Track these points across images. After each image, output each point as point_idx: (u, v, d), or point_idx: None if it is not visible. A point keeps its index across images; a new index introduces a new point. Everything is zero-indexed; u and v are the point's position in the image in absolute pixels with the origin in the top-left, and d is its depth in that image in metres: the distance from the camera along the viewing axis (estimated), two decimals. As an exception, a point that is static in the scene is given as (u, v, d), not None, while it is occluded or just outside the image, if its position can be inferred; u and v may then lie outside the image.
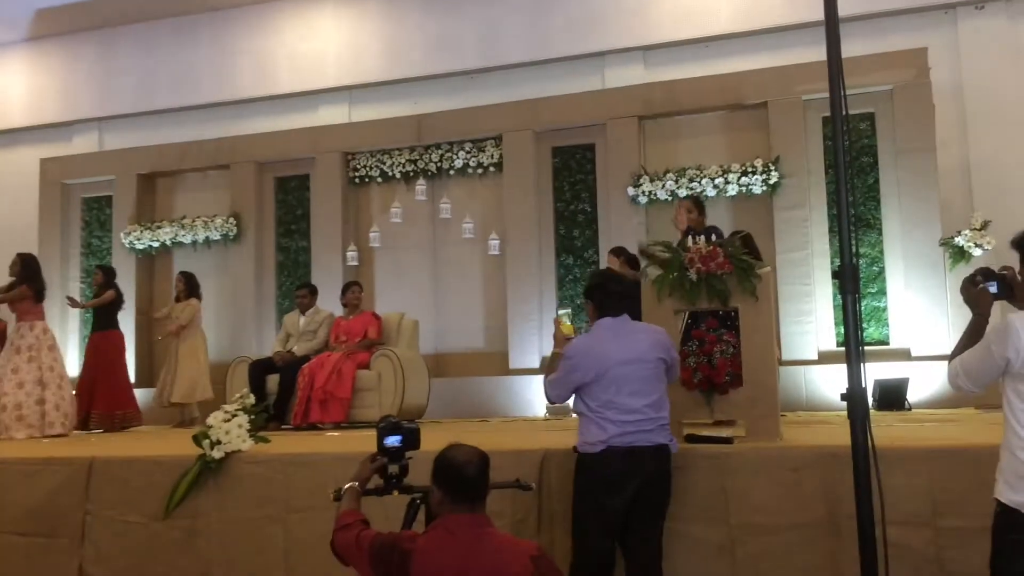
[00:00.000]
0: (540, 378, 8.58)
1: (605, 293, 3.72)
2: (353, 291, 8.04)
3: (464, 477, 2.56)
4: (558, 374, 3.65)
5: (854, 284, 2.01)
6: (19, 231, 11.05)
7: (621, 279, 3.95)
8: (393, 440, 2.88)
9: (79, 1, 11.45)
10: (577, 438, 3.68)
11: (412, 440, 2.91)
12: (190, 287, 8.78)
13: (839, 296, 7.92)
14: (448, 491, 2.56)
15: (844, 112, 2.15)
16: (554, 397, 3.71)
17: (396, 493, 2.93)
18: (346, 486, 2.86)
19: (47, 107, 12.23)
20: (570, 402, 3.83)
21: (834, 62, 2.24)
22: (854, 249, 2.03)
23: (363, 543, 2.60)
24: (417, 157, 9.70)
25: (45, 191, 10.94)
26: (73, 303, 8.76)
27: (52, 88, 12.25)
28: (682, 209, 6.46)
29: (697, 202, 6.62)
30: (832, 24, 2.24)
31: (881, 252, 8.12)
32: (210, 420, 4.61)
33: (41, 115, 12.23)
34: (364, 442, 5.39)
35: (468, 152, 9.55)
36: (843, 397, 2.19)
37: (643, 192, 8.73)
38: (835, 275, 2.12)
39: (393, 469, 2.92)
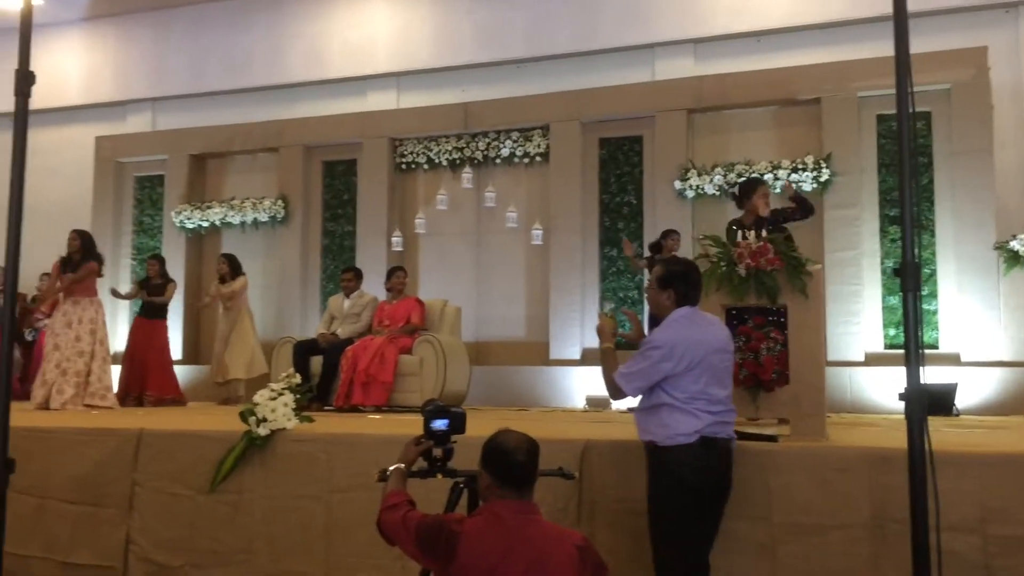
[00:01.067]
0: (579, 369, 8.70)
1: (688, 283, 3.56)
2: (398, 276, 8.09)
3: (513, 463, 2.57)
4: (641, 365, 3.46)
5: (916, 282, 1.98)
6: (73, 207, 11.28)
7: (698, 267, 3.81)
8: (440, 424, 2.89)
9: (137, -18, 11.64)
10: (648, 432, 3.49)
11: (458, 424, 2.93)
12: (233, 267, 8.88)
13: (888, 297, 7.97)
14: (497, 476, 2.57)
15: (911, 109, 2.11)
16: (633, 390, 3.51)
17: (440, 476, 2.95)
18: (392, 467, 2.89)
19: (102, 86, 12.46)
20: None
21: (902, 57, 2.19)
22: (917, 247, 1.99)
23: (410, 523, 2.62)
24: (464, 145, 9.72)
25: (99, 169, 11.16)
26: (116, 294, 8.87)
27: (107, 68, 12.47)
28: (766, 193, 6.01)
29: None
30: (900, 19, 2.20)
31: (933, 254, 7.98)
32: (256, 398, 4.67)
33: (96, 94, 12.46)
34: (405, 425, 5.44)
35: (515, 141, 9.55)
36: (901, 397, 2.15)
37: (690, 186, 8.67)
38: (896, 272, 2.07)
39: (438, 452, 2.94)
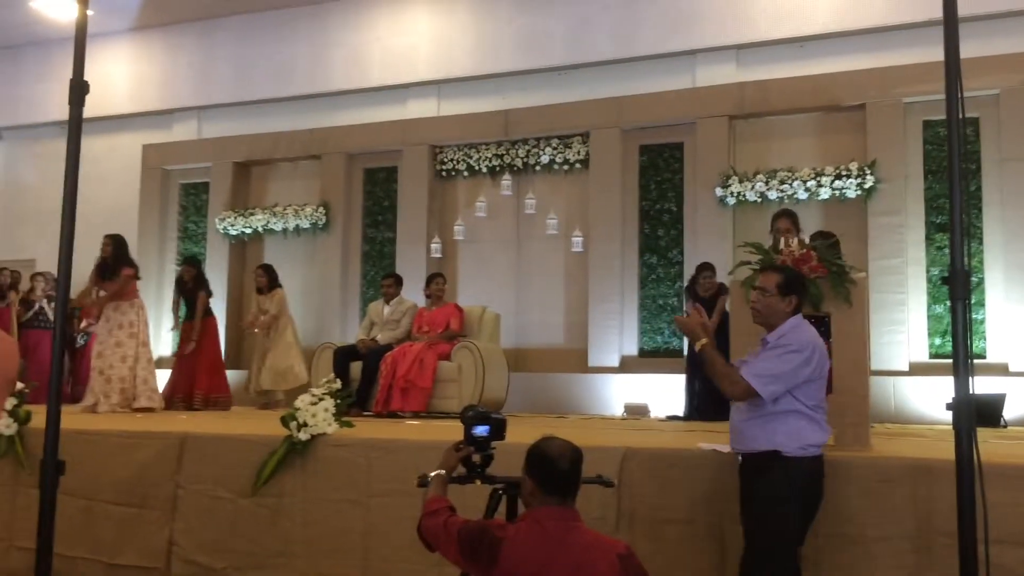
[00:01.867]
0: (618, 377, 8.66)
1: (806, 291, 3.60)
2: (437, 282, 8.13)
3: (557, 470, 2.56)
4: (781, 367, 3.28)
5: (965, 290, 1.94)
6: (121, 214, 11.48)
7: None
8: (481, 430, 2.90)
9: (183, -8, 11.85)
10: (771, 440, 3.32)
11: (499, 431, 2.93)
12: (271, 278, 8.93)
13: (934, 306, 7.84)
14: (540, 483, 2.57)
15: (961, 115, 2.07)
16: (769, 393, 3.28)
17: (479, 483, 2.95)
18: (433, 473, 2.90)
19: (149, 95, 12.68)
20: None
21: (952, 62, 2.16)
22: (965, 255, 1.96)
23: (451, 529, 2.63)
24: (504, 152, 9.75)
25: (146, 176, 11.38)
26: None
27: (154, 76, 12.70)
28: (790, 223, 5.86)
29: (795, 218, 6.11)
30: (951, 23, 2.16)
31: (981, 262, 7.83)
32: (297, 403, 4.72)
33: (143, 103, 12.68)
34: (444, 431, 5.46)
35: (555, 148, 9.55)
36: (949, 407, 2.11)
37: (731, 193, 8.60)
38: (945, 280, 2.04)
39: (477, 458, 2.94)
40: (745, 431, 3.41)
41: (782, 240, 4.74)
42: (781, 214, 5.99)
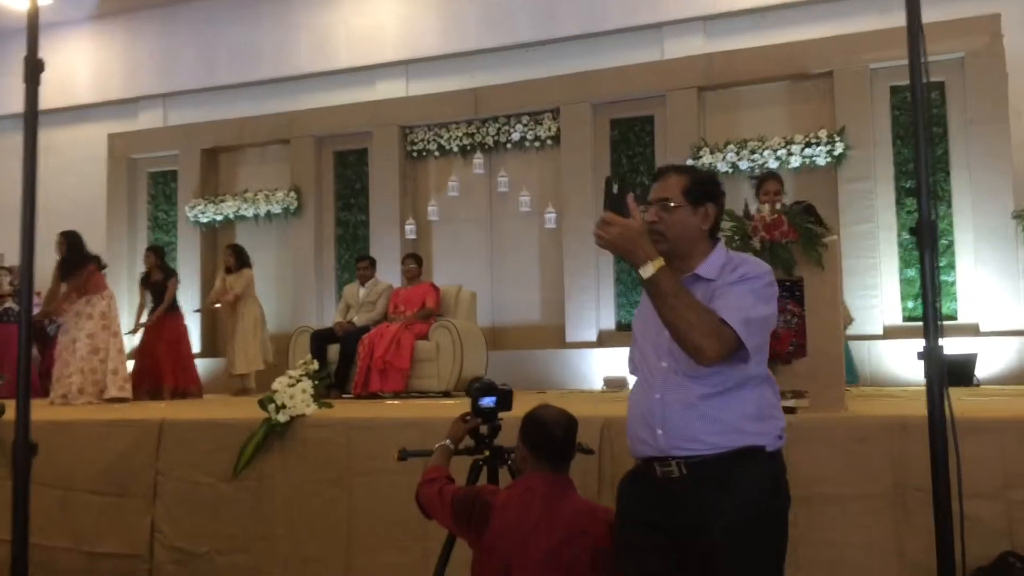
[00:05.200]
0: (596, 351, 8.70)
1: (723, 195, 2.46)
2: (407, 263, 8.12)
3: (551, 437, 2.57)
4: (765, 309, 2.19)
5: (932, 240, 1.96)
6: (88, 206, 11.35)
7: None
8: (488, 401, 2.90)
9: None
10: (742, 431, 2.21)
11: (505, 402, 2.93)
12: (240, 259, 8.86)
13: (906, 270, 7.91)
14: (533, 449, 2.58)
15: (925, 80, 2.07)
16: (755, 347, 2.15)
17: (487, 453, 2.96)
18: (438, 444, 2.90)
19: (112, 84, 12.51)
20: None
21: (914, 27, 2.16)
22: (933, 213, 1.97)
23: (446, 496, 2.64)
24: (474, 131, 9.71)
25: (112, 166, 11.23)
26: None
27: (117, 65, 12.53)
28: (779, 185, 5.82)
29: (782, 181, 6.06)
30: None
31: (950, 225, 7.91)
32: (275, 385, 4.69)
33: (107, 92, 12.52)
34: (424, 410, 5.47)
35: (525, 125, 9.53)
36: (919, 356, 2.13)
37: (703, 164, 8.62)
38: (912, 231, 2.05)
39: (484, 430, 2.94)
40: (698, 418, 2.18)
41: (774, 204, 4.73)
42: (768, 176, 5.95)
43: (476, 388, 2.93)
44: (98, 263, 7.60)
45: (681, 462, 2.18)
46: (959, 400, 4.99)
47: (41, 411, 3.79)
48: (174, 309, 8.54)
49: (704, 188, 2.36)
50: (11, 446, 2.14)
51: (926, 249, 1.98)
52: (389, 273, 8.68)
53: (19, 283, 9.83)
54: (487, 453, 2.92)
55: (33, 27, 2.31)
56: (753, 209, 4.46)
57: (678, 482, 2.19)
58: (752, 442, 2.19)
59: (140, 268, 10.57)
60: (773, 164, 8.33)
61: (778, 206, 4.30)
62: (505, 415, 2.95)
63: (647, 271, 2.06)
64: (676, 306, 2.05)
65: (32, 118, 2.26)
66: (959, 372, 6.90)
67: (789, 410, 4.00)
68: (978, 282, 7.76)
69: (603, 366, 8.57)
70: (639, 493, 2.30)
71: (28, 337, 2.63)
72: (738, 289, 2.17)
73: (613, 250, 2.14)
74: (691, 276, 2.25)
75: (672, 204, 2.31)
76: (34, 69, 2.16)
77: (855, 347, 7.55)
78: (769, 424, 2.25)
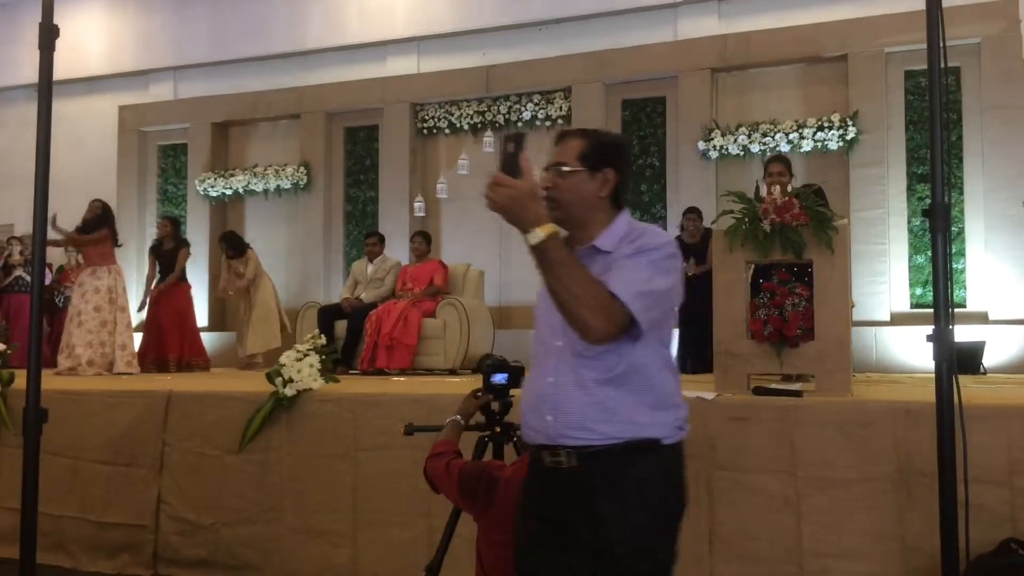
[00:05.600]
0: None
1: (629, 169, 2.27)
2: (415, 240, 8.12)
3: None
4: (663, 283, 2.00)
5: (946, 223, 1.95)
6: (97, 178, 11.36)
7: None
8: (500, 378, 2.89)
9: (156, -50, 11.61)
10: (633, 421, 2.01)
11: (517, 378, 2.93)
12: (237, 247, 8.87)
13: (915, 256, 7.87)
14: None
15: (943, 62, 2.05)
16: (648, 323, 1.96)
17: (498, 429, 2.96)
18: (448, 419, 2.91)
19: (124, 56, 12.47)
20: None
21: (933, 10, 2.14)
22: (947, 188, 1.96)
23: (453, 470, 2.64)
24: (485, 109, 9.68)
25: (123, 138, 11.23)
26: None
27: (129, 37, 12.48)
28: (787, 169, 5.70)
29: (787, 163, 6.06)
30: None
31: (961, 212, 7.87)
32: (282, 359, 4.71)
33: (119, 64, 12.47)
34: (430, 386, 5.49)
35: (536, 104, 9.49)
36: (929, 338, 2.13)
37: (714, 147, 8.59)
38: (925, 213, 2.04)
39: (496, 406, 2.95)
40: (590, 404, 2.01)
41: (777, 186, 4.71)
42: (774, 158, 5.94)
43: (488, 365, 2.93)
44: (115, 235, 7.67)
45: (572, 452, 2.01)
46: (966, 387, 4.99)
47: (50, 381, 3.80)
48: (183, 279, 8.56)
49: (604, 152, 2.16)
50: (22, 413, 2.15)
51: (938, 232, 1.97)
52: (398, 250, 8.68)
53: (29, 253, 9.93)
54: (498, 429, 2.92)
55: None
56: (764, 192, 4.45)
57: (566, 473, 2.02)
58: (648, 434, 2.00)
59: (148, 242, 10.64)
60: (785, 148, 8.29)
61: (789, 188, 4.28)
62: (516, 392, 2.95)
63: (533, 237, 1.89)
64: (562, 276, 1.88)
65: (47, 84, 2.26)
66: (967, 360, 6.90)
67: (795, 393, 4.02)
68: (988, 270, 7.72)
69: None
70: (532, 484, 2.16)
71: (39, 307, 2.64)
72: (634, 261, 1.99)
73: (502, 214, 1.94)
74: (588, 248, 2.08)
75: (566, 168, 2.13)
76: (49, 35, 2.16)
77: (861, 333, 7.55)
78: (668, 414, 2.06)
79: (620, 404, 1.99)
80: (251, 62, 11.69)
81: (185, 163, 11.00)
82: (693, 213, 7.70)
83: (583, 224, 2.12)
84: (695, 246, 7.38)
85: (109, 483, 4.94)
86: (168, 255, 8.48)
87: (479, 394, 2.91)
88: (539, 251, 1.88)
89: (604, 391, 1.99)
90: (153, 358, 8.10)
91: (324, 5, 11.38)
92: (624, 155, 2.21)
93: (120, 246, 7.86)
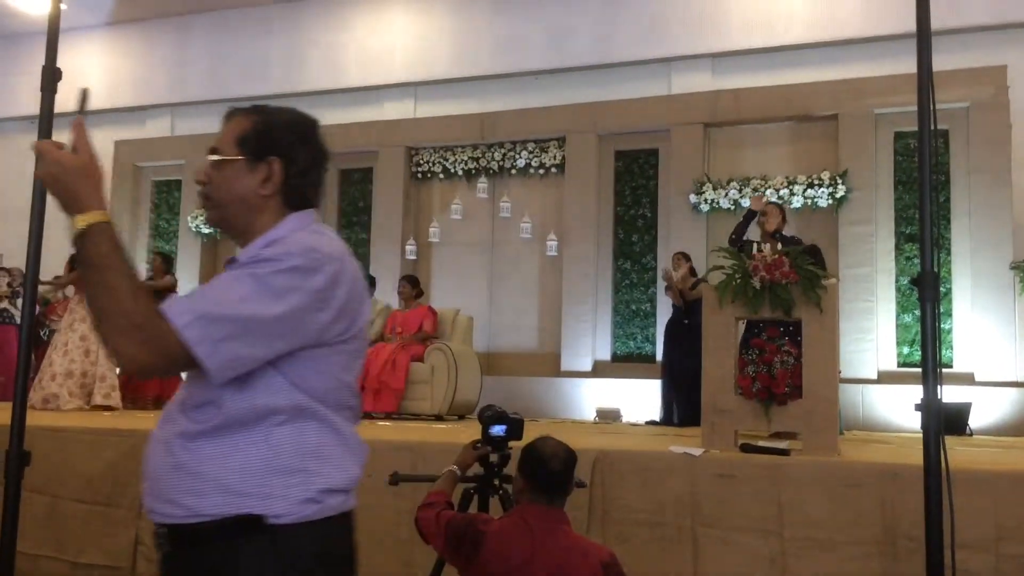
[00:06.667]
0: (591, 381, 8.70)
1: (323, 153, 1.81)
2: (402, 285, 8.11)
3: (548, 470, 2.54)
4: (267, 306, 1.49)
5: (934, 292, 1.97)
6: (90, 210, 11.33)
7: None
8: (498, 429, 2.88)
9: (159, -12, 11.76)
10: (247, 484, 1.50)
11: (516, 430, 2.91)
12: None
13: (902, 315, 7.93)
14: (530, 481, 2.55)
15: (933, 126, 2.09)
16: (223, 362, 1.48)
17: (497, 482, 2.94)
18: (446, 469, 2.89)
19: (123, 91, 12.56)
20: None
21: (924, 74, 2.19)
22: (935, 256, 1.98)
23: (442, 521, 2.62)
24: (480, 155, 9.76)
25: (118, 172, 11.26)
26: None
27: (128, 73, 12.58)
28: (777, 211, 6.29)
29: (783, 209, 6.54)
30: (924, 35, 2.20)
31: (948, 272, 7.94)
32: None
33: (117, 99, 12.56)
34: (416, 432, 5.45)
35: (531, 152, 9.58)
36: (917, 407, 2.14)
37: (705, 200, 8.66)
38: (914, 282, 2.07)
39: (495, 458, 2.93)
40: (172, 468, 1.53)
41: (764, 222, 4.78)
42: (768, 202, 6.21)
43: (487, 416, 2.92)
44: None
45: (165, 534, 1.53)
46: (952, 450, 4.99)
47: (34, 416, 3.76)
48: None
49: (270, 136, 1.66)
50: (4, 453, 2.13)
51: (927, 301, 1.99)
52: (388, 292, 8.68)
53: (18, 285, 9.87)
54: (497, 482, 2.91)
55: (53, 36, 2.33)
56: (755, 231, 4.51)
57: (166, 562, 1.55)
58: (249, 508, 1.47)
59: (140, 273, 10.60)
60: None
61: (766, 248, 4.33)
62: (515, 444, 2.94)
63: (76, 227, 1.44)
64: (95, 282, 1.42)
65: (47, 125, 2.28)
66: (953, 421, 6.91)
67: (782, 452, 4.01)
68: (974, 331, 7.77)
69: (597, 397, 8.56)
70: None
71: (28, 352, 2.61)
72: (233, 274, 1.52)
73: (50, 192, 1.49)
74: (229, 260, 1.62)
75: (216, 158, 1.65)
76: (52, 78, 2.17)
77: (848, 390, 7.55)
78: (291, 480, 1.49)
79: (209, 467, 1.48)
80: (248, 101, 11.75)
81: (179, 199, 11.03)
82: (680, 255, 7.77)
83: (244, 230, 1.65)
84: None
85: (87, 523, 4.85)
86: (157, 292, 8.41)
87: (478, 445, 2.90)
88: (76, 244, 1.44)
89: (188, 451, 1.50)
90: (129, 394, 7.93)
91: (323, 47, 11.52)
92: (301, 138, 1.71)
93: None
